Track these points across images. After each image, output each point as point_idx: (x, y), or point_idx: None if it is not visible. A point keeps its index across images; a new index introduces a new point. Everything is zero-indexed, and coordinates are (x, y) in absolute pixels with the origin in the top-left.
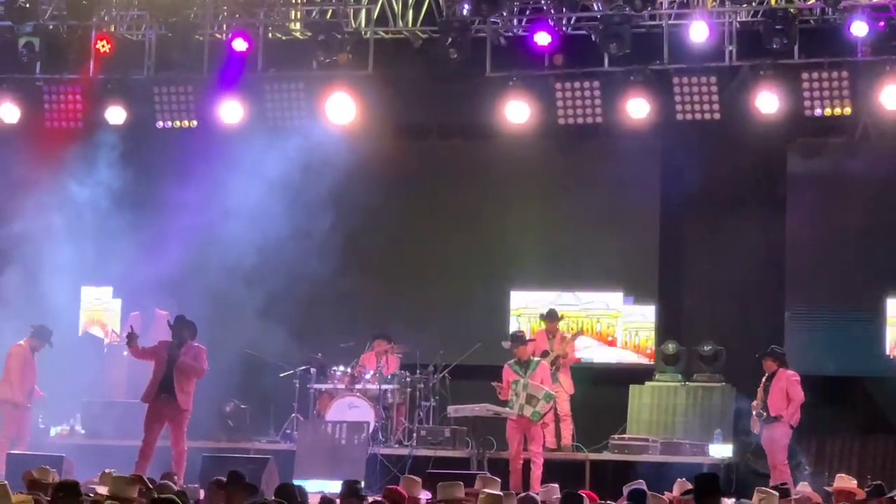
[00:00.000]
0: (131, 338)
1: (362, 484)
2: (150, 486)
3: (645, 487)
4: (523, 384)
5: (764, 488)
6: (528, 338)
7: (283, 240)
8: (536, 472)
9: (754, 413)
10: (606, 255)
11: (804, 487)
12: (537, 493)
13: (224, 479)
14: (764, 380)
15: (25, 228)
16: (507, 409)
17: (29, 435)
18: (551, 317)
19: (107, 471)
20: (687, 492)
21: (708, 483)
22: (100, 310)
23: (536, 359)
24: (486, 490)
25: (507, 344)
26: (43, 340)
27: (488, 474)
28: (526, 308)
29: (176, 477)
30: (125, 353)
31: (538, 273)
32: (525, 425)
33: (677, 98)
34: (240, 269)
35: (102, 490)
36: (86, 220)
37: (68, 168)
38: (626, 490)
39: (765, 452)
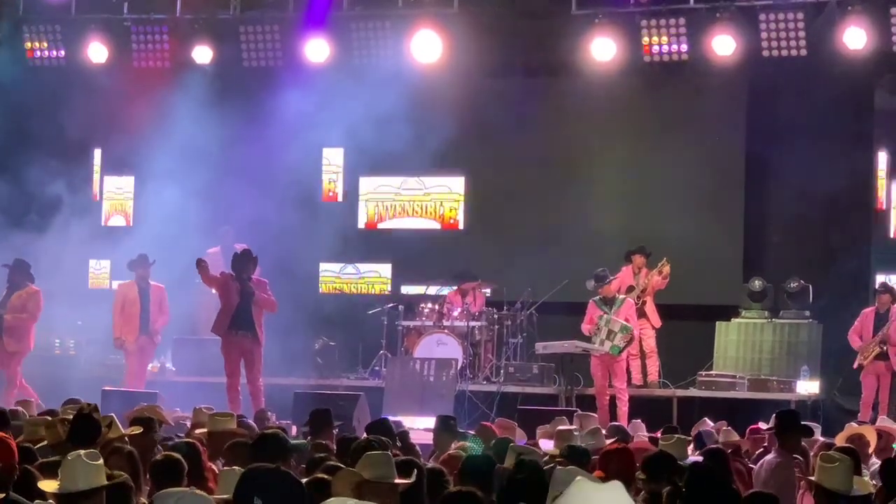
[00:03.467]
0: (201, 266)
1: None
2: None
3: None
4: (605, 319)
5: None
6: (610, 276)
7: (368, 176)
8: (622, 408)
9: (870, 346)
10: (692, 191)
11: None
12: None
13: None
14: (874, 316)
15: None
16: (594, 345)
17: (143, 372)
18: (638, 252)
19: (198, 407)
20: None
21: (788, 419)
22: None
23: (622, 296)
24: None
25: (590, 284)
26: (136, 270)
27: (579, 410)
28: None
29: (271, 414)
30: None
31: (621, 209)
32: (608, 361)
33: (763, 34)
34: (325, 209)
35: (199, 430)
36: (169, 161)
37: (156, 107)
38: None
39: (858, 389)
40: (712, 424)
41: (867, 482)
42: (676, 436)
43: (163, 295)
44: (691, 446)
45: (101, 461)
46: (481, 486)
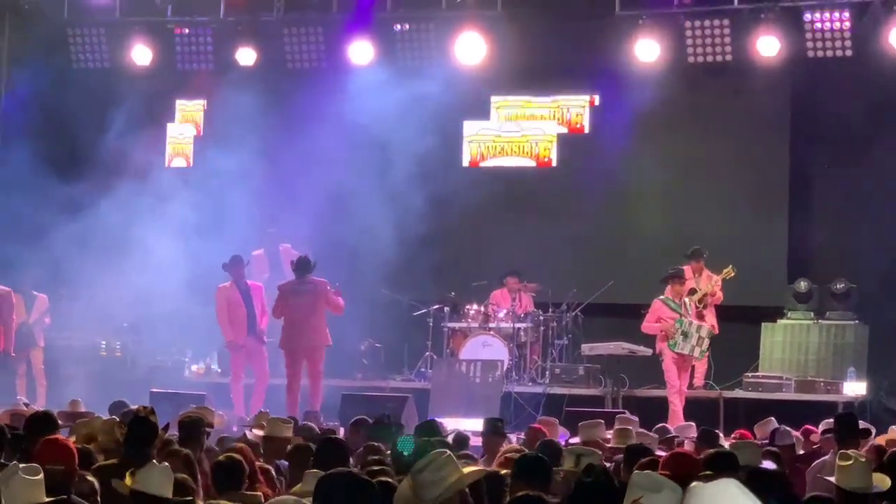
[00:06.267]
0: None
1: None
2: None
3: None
4: (689, 322)
5: None
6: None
7: (412, 179)
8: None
9: None
10: (737, 192)
11: None
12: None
13: (365, 418)
14: None
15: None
16: (671, 344)
17: (263, 374)
18: (696, 255)
19: (263, 411)
20: (826, 430)
21: (848, 421)
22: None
23: (685, 298)
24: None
25: (669, 280)
26: (230, 271)
27: (627, 413)
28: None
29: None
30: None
31: (665, 211)
32: (686, 363)
33: (808, 35)
34: (371, 210)
35: (258, 431)
36: (218, 161)
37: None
38: (762, 429)
39: None
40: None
41: (886, 478)
42: (749, 440)
43: (261, 293)
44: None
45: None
46: (539, 489)
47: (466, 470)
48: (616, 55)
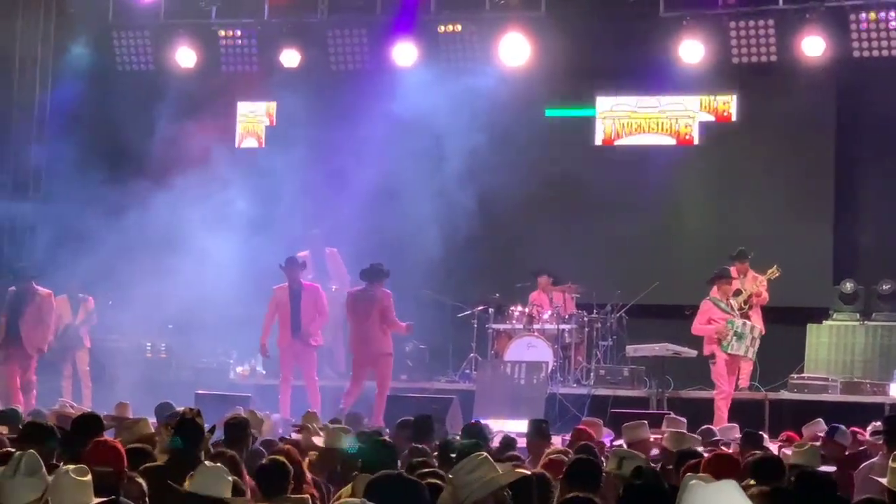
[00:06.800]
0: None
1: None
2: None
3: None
4: (742, 323)
5: None
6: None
7: (456, 180)
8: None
9: None
10: (781, 193)
11: None
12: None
13: (410, 419)
14: None
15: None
16: (724, 346)
17: (312, 378)
18: (741, 256)
19: (311, 411)
20: (875, 432)
21: None
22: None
23: (731, 299)
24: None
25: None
26: (285, 272)
27: (672, 414)
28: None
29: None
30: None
31: (709, 212)
32: (737, 364)
33: (854, 34)
34: (414, 210)
35: (318, 440)
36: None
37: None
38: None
39: None
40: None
41: None
42: (809, 444)
43: (318, 295)
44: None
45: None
46: (589, 491)
47: (501, 470)
48: (660, 56)
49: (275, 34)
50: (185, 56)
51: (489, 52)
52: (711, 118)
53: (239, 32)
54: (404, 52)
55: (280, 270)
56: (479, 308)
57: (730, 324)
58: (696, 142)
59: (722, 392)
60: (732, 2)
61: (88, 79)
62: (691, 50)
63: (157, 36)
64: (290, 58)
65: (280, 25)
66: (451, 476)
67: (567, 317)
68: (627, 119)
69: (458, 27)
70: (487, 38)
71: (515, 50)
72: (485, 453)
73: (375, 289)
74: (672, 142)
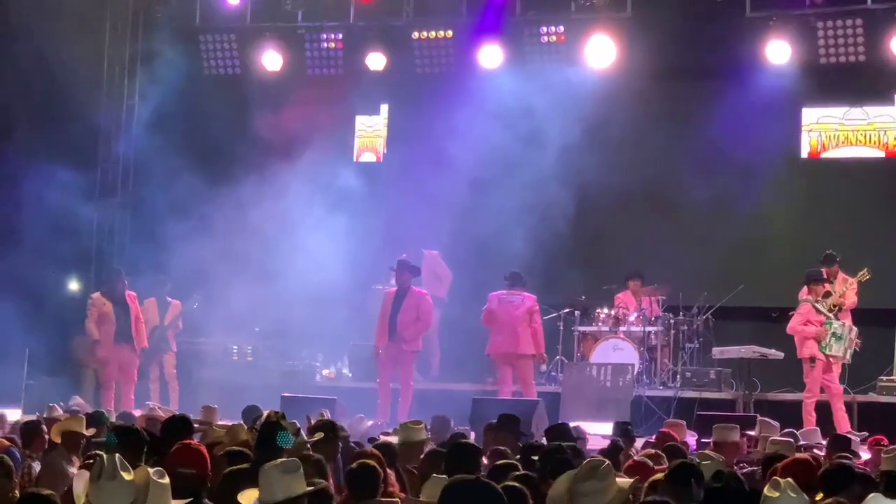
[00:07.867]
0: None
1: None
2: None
3: None
4: (840, 324)
5: None
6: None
7: (541, 182)
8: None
9: None
10: (867, 193)
11: None
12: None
13: (494, 421)
14: None
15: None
16: (822, 347)
17: (408, 381)
18: (828, 261)
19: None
20: None
21: None
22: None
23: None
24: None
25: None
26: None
27: (764, 418)
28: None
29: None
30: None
31: (794, 212)
32: (829, 366)
33: None
34: (501, 212)
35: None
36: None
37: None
38: None
39: None
40: None
41: None
42: None
43: (420, 300)
44: None
45: (299, 470)
46: (683, 495)
47: (621, 482)
48: (747, 56)
49: (360, 37)
50: (272, 59)
51: (575, 53)
52: None
53: (324, 36)
54: (490, 55)
55: (383, 275)
56: (565, 311)
57: (828, 324)
58: None
59: (812, 395)
60: (820, 2)
61: (176, 82)
62: (778, 50)
63: (244, 39)
64: (376, 61)
65: (365, 28)
66: (574, 480)
67: (653, 319)
68: None
69: (543, 29)
70: (574, 40)
71: (601, 52)
72: (607, 461)
73: (517, 293)
74: None
